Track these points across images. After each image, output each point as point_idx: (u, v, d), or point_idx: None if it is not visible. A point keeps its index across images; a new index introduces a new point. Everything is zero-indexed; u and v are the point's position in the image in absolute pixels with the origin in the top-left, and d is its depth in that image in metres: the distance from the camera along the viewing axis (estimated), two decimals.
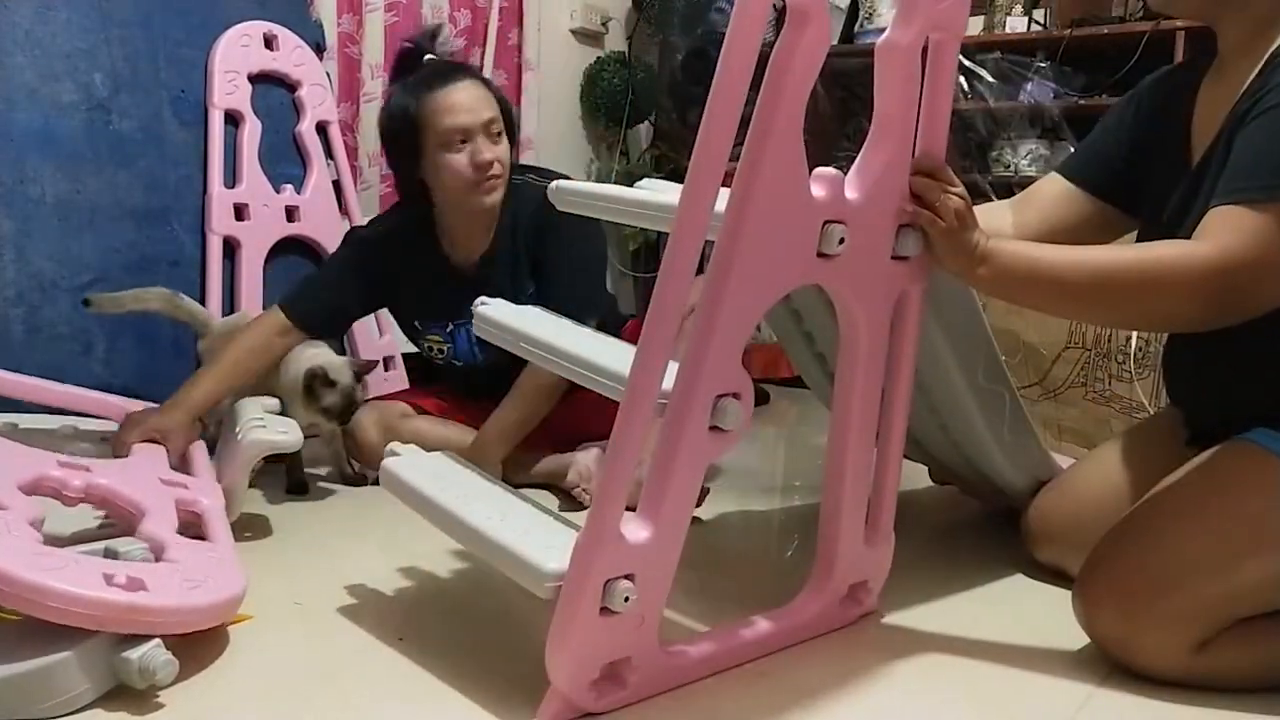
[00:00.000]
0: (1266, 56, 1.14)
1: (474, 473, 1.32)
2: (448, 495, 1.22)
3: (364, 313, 2.07)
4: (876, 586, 1.32)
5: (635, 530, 0.99)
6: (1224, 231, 1.07)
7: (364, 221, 2.21)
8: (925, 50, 1.11)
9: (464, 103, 1.74)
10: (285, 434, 1.58)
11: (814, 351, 1.64)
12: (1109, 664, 1.18)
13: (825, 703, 1.11)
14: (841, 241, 1.06)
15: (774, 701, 1.10)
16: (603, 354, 1.15)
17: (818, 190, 1.03)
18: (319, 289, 1.90)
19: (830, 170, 1.05)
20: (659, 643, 1.07)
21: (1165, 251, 1.12)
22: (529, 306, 1.37)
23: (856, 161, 1.10)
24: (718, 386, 0.99)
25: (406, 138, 1.78)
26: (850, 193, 1.08)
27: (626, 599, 0.98)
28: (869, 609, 1.32)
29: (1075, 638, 1.23)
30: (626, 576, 0.98)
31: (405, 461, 1.32)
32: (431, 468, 1.32)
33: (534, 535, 1.10)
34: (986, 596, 1.44)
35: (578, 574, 0.97)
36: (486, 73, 2.71)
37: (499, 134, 1.79)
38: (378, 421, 1.90)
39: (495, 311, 1.31)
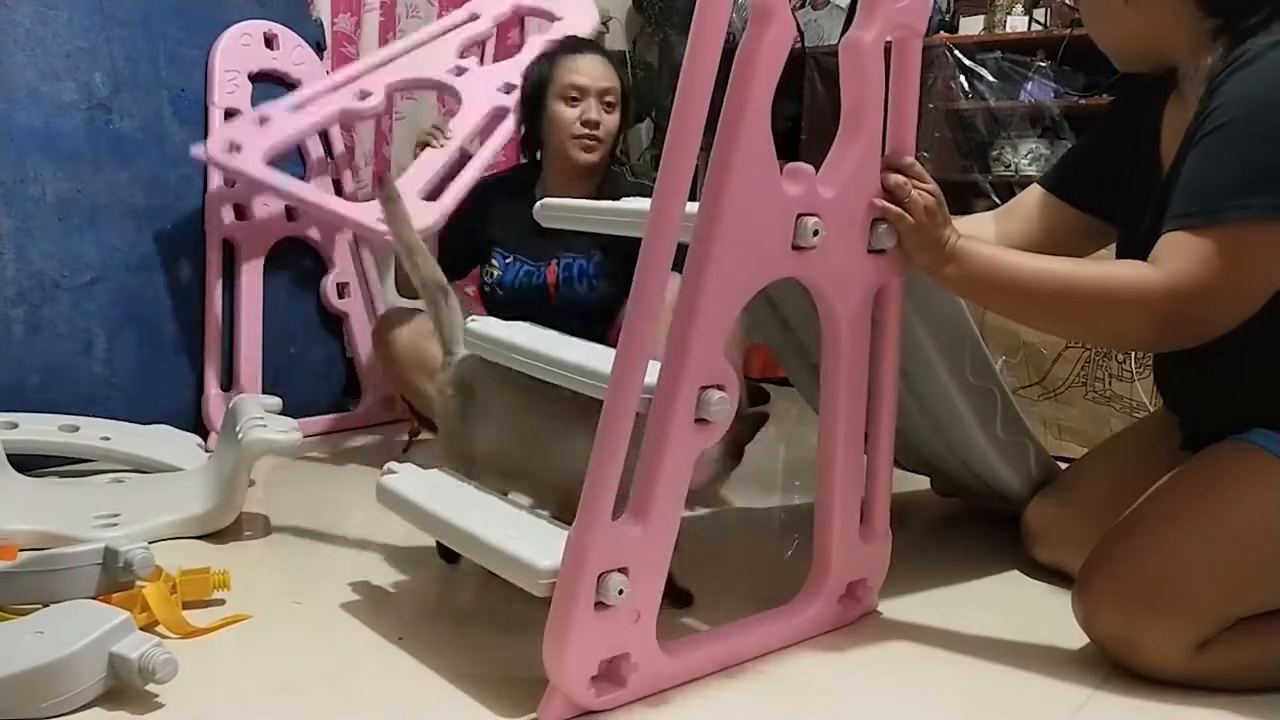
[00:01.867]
0: (1207, 79, 1.15)
1: (470, 485, 1.32)
2: (443, 506, 1.23)
3: (475, 249, 2.09)
4: (875, 584, 1.32)
5: (626, 523, 1.00)
6: (1172, 258, 1.08)
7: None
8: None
9: (587, 68, 1.95)
10: (285, 433, 1.58)
11: (809, 364, 1.65)
12: (1109, 664, 1.18)
13: (823, 701, 1.11)
14: (816, 234, 1.08)
15: (772, 701, 1.10)
16: (586, 357, 1.18)
17: (790, 185, 1.06)
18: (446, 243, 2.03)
19: (802, 165, 1.08)
20: (658, 641, 1.08)
21: (1123, 272, 1.13)
22: (518, 323, 1.38)
23: (828, 157, 1.13)
24: (701, 379, 1.01)
25: (534, 91, 1.98)
26: (823, 187, 1.10)
27: (620, 592, 0.99)
28: (869, 607, 1.32)
29: (1075, 638, 1.23)
30: (620, 570, 0.99)
31: (401, 478, 1.33)
32: (428, 483, 1.32)
33: (527, 537, 1.11)
34: (986, 596, 1.44)
35: (570, 568, 0.98)
36: None
37: (611, 105, 1.98)
38: (411, 330, 1.97)
39: (485, 326, 1.34)
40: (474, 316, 1.39)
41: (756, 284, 1.06)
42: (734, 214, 1.00)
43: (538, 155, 2.07)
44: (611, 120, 1.98)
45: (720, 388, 1.02)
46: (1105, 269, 1.17)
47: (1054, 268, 1.15)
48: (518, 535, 1.12)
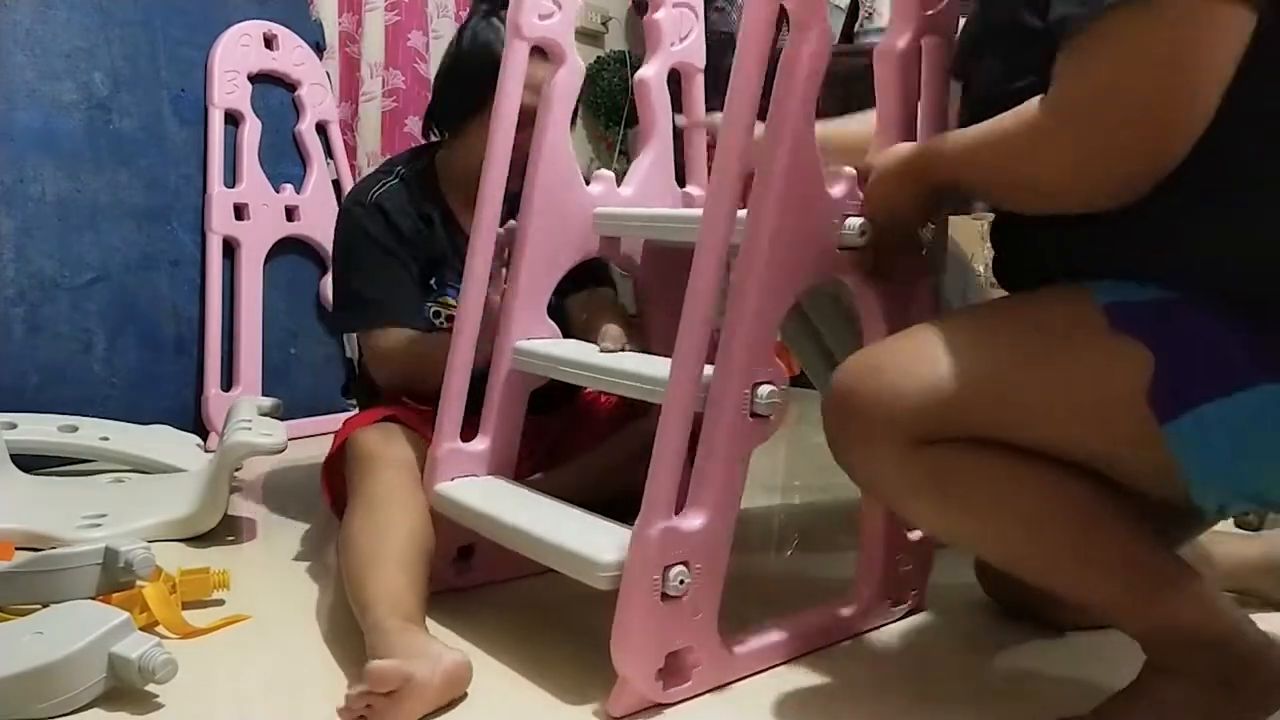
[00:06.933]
0: None
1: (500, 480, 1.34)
2: (484, 502, 1.25)
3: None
4: (923, 580, 1.33)
5: (688, 518, 1.04)
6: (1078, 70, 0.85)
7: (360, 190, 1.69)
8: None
9: (539, 78, 1.35)
10: (269, 437, 1.57)
11: (832, 364, 1.66)
12: (1109, 664, 1.17)
13: (821, 702, 1.11)
14: (863, 234, 1.10)
15: (769, 703, 1.10)
16: (638, 365, 1.20)
17: (835, 187, 1.08)
18: (397, 286, 1.54)
19: (846, 169, 1.10)
20: (718, 636, 1.10)
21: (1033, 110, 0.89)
22: (566, 340, 1.39)
23: (867, 161, 1.13)
24: (753, 376, 1.04)
25: (479, 79, 1.42)
26: (865, 189, 1.12)
27: (682, 582, 1.02)
28: (917, 604, 1.33)
29: (1075, 638, 1.23)
30: (682, 563, 1.03)
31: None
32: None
33: (583, 532, 1.14)
34: (985, 595, 1.44)
35: (637, 561, 1.01)
36: None
37: None
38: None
39: (533, 344, 1.34)
40: (528, 337, 1.34)
41: (804, 284, 1.09)
42: (781, 216, 1.03)
43: (434, 148, 1.63)
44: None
45: (770, 383, 1.05)
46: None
47: (991, 127, 0.94)
48: (572, 530, 1.15)
